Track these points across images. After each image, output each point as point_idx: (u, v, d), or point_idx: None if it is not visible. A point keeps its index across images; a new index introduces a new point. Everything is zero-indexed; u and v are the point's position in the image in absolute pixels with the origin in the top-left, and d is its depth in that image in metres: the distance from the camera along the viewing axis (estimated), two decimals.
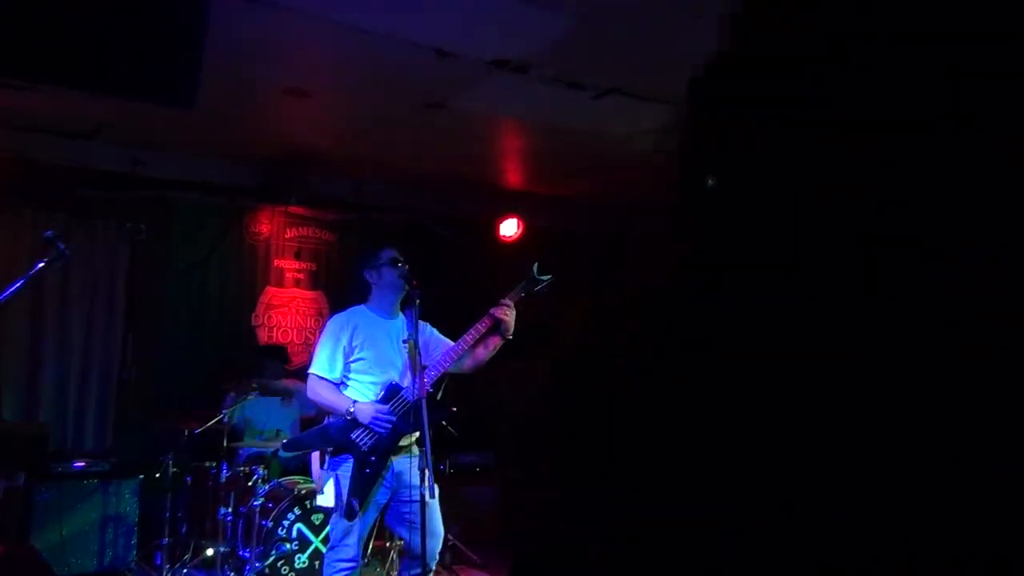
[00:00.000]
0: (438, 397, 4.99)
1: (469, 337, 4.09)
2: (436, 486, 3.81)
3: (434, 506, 4.00)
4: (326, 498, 3.98)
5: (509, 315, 4.10)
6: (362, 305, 4.30)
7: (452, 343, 4.16)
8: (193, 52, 3.30)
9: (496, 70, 4.82)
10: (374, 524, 4.09)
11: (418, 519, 4.02)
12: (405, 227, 7.89)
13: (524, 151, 7.01)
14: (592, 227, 9.19)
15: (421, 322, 4.11)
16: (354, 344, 4.11)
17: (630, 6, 4.02)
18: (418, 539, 4.02)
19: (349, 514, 3.87)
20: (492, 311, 4.10)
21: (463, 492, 7.33)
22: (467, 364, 4.29)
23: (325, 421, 4.14)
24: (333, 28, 4.26)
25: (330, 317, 4.33)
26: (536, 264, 4.20)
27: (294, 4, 4.01)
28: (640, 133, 6.02)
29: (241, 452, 5.92)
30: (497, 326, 4.12)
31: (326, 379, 4.08)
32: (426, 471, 3.67)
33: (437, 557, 4.05)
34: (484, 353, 4.25)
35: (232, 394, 5.93)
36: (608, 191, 8.13)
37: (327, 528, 5.35)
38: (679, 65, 4.91)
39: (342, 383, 4.12)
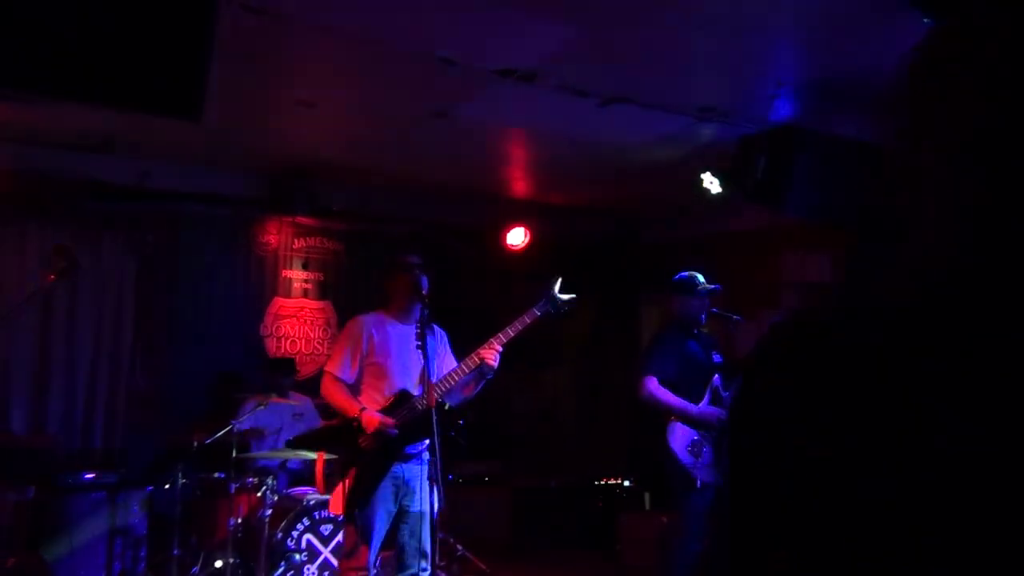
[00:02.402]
0: (446, 406, 4.98)
1: (454, 375, 4.06)
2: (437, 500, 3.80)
3: (429, 520, 4.00)
4: (334, 504, 3.98)
5: (494, 359, 4.03)
6: (380, 311, 4.33)
7: (457, 363, 4.13)
8: (200, 64, 3.31)
9: (502, 79, 4.82)
10: (387, 532, 4.08)
11: (416, 529, 4.02)
12: (412, 237, 7.90)
13: (531, 160, 7.01)
14: (599, 235, 9.18)
15: (443, 331, 4.13)
16: (370, 348, 4.13)
17: (636, 14, 4.03)
18: (414, 545, 4.03)
19: (349, 518, 3.88)
20: (480, 351, 4.05)
21: (472, 501, 7.32)
22: (455, 399, 4.27)
23: (332, 425, 4.14)
24: (340, 39, 4.27)
25: (349, 319, 4.35)
26: (559, 281, 4.12)
27: (300, 15, 4.02)
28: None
29: (250, 463, 5.92)
30: (480, 366, 4.07)
31: (340, 379, 4.10)
32: (438, 481, 3.67)
33: (429, 569, 4.04)
34: (468, 394, 4.24)
35: (251, 401, 5.93)
36: (615, 199, 8.14)
37: (336, 539, 5.36)
38: (685, 73, 4.94)
39: (356, 385, 4.13)
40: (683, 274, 5.23)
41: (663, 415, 4.93)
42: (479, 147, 6.37)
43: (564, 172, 7.17)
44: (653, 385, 4.89)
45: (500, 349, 4.02)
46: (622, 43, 4.39)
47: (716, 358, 5.05)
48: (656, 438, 4.98)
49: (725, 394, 4.90)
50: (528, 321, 4.07)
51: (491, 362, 4.00)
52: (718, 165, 5.89)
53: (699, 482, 4.72)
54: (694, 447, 4.79)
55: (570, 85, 4.97)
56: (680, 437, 4.83)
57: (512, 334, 4.06)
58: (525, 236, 8.14)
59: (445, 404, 4.76)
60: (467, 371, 4.05)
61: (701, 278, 5.15)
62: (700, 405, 4.86)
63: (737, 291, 8.02)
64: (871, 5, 3.92)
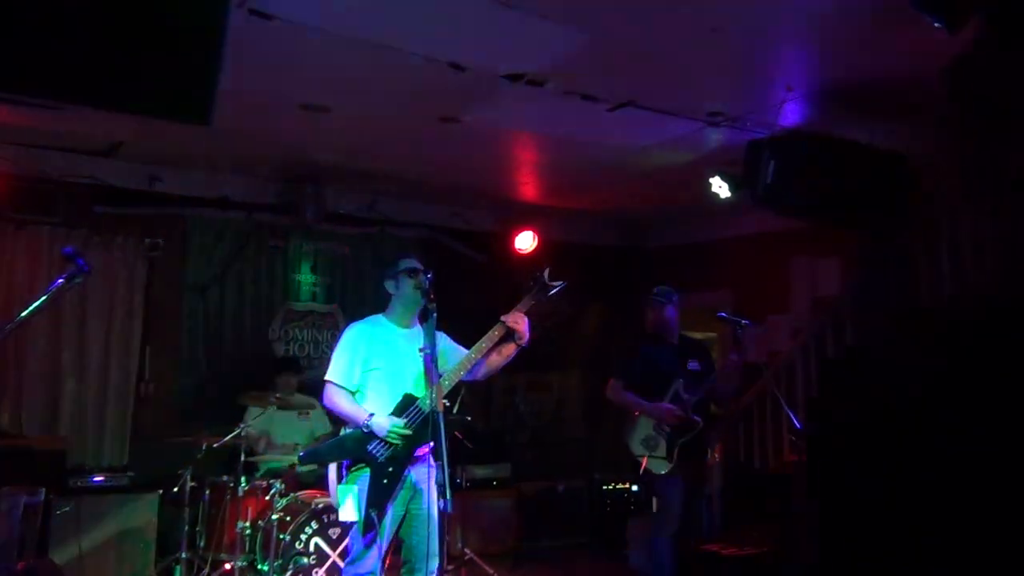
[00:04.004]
0: (454, 409, 4.99)
1: (481, 347, 4.09)
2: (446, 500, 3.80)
3: (437, 523, 3.98)
4: (346, 512, 3.97)
5: (520, 323, 4.09)
6: (380, 315, 4.32)
7: (466, 351, 4.16)
8: (210, 69, 3.32)
9: (511, 84, 4.83)
10: (394, 537, 4.07)
11: (423, 531, 4.01)
12: (421, 241, 7.92)
13: (539, 164, 7.02)
14: (608, 239, 9.19)
15: (438, 332, 4.11)
16: (370, 354, 4.12)
17: (645, 19, 4.03)
18: (422, 548, 4.02)
19: (367, 526, 3.87)
20: (503, 318, 4.10)
21: (479, 505, 7.32)
22: (481, 372, 4.28)
23: (341, 432, 4.14)
24: (349, 43, 4.29)
25: (348, 327, 4.34)
26: (547, 270, 4.20)
27: (310, 20, 4.04)
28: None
29: (259, 466, 5.93)
30: (511, 334, 4.11)
31: (342, 388, 4.09)
32: (445, 485, 3.66)
33: (436, 572, 4.03)
34: (499, 360, 4.24)
35: (253, 408, 5.95)
36: (623, 203, 8.14)
37: (344, 542, 5.36)
38: (693, 77, 4.95)
39: (358, 392, 4.12)
40: (661, 287, 5.56)
41: (626, 413, 5.44)
42: (488, 151, 6.38)
43: (573, 176, 7.18)
44: (613, 386, 5.44)
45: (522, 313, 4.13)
46: (631, 48, 4.39)
47: (692, 365, 5.40)
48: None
49: (685, 395, 5.23)
50: (522, 310, 4.14)
51: (514, 326, 4.06)
52: (727, 169, 5.88)
53: (642, 470, 5.23)
54: (648, 441, 5.24)
55: (579, 90, 4.98)
56: (636, 431, 5.31)
57: (524, 309, 4.17)
58: (534, 240, 8.14)
59: (454, 408, 4.76)
60: (491, 343, 4.10)
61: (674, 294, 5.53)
62: (654, 402, 5.24)
63: (745, 295, 8.02)
64: (881, 11, 3.92)
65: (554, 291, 4.20)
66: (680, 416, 5.17)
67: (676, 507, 5.20)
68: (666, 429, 5.22)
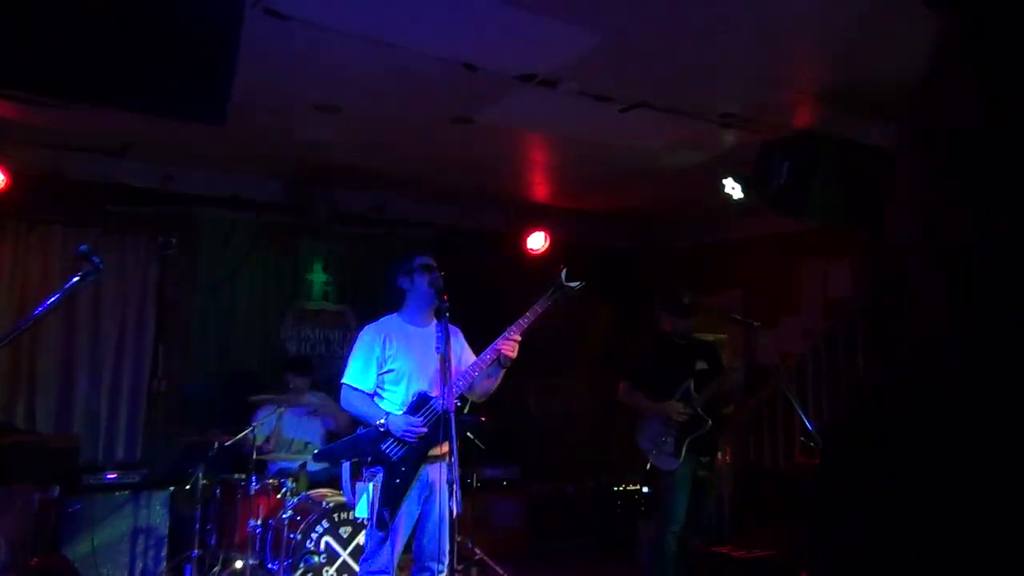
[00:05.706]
0: (465, 409, 5.00)
1: (475, 369, 4.09)
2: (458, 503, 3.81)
3: (447, 523, 3.98)
4: (360, 508, 3.99)
5: (512, 350, 4.07)
6: (394, 314, 4.32)
7: (475, 357, 4.17)
8: (224, 68, 3.33)
9: (523, 84, 4.83)
10: (410, 535, 4.09)
11: (434, 530, 4.03)
12: (432, 240, 7.92)
13: (551, 165, 7.02)
14: (619, 240, 9.17)
15: (456, 328, 4.13)
16: (386, 355, 4.13)
17: (658, 20, 4.03)
18: (432, 547, 4.03)
19: (380, 524, 3.89)
20: (497, 345, 4.08)
21: (489, 506, 7.32)
22: (477, 392, 4.29)
23: (356, 432, 4.16)
24: (361, 43, 4.29)
25: (361, 328, 4.35)
26: (564, 270, 4.20)
27: (324, 20, 4.05)
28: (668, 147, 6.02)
29: (270, 465, 5.95)
30: (498, 360, 4.11)
31: (359, 389, 4.11)
32: (454, 485, 3.67)
33: (445, 571, 4.05)
34: (490, 384, 4.26)
35: (269, 405, 5.97)
36: (635, 204, 8.13)
37: (355, 541, 5.38)
38: (706, 78, 4.94)
39: (375, 393, 4.14)
40: (690, 297, 5.69)
41: (636, 412, 5.64)
42: (500, 152, 6.38)
43: (584, 177, 7.17)
44: (624, 387, 5.64)
45: (518, 339, 4.07)
46: (643, 49, 4.39)
47: (700, 365, 5.55)
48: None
49: (694, 394, 5.39)
50: (539, 310, 4.13)
51: (509, 353, 4.05)
52: (740, 170, 5.87)
53: (648, 465, 5.44)
54: (657, 438, 5.39)
55: (591, 90, 4.97)
56: (647, 428, 5.49)
57: (526, 324, 4.12)
58: (545, 241, 8.14)
59: (464, 408, 4.77)
60: (485, 365, 4.09)
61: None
62: (661, 402, 5.43)
63: (757, 297, 8.00)
64: (894, 10, 3.90)
65: (570, 291, 4.20)
66: (682, 414, 5.32)
67: (681, 504, 5.32)
68: (674, 427, 5.34)
